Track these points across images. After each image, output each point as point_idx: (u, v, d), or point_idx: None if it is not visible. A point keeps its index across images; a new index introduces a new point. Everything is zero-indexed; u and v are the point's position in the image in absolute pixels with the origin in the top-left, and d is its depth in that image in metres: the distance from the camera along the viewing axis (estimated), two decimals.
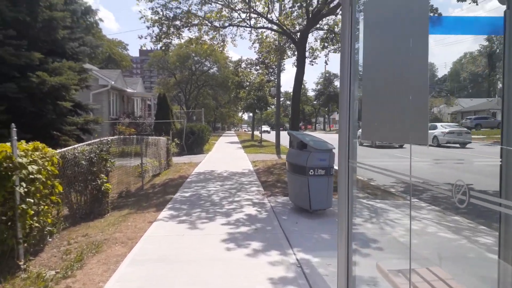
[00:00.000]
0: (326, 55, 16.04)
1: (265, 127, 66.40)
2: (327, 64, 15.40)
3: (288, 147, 24.92)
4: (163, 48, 14.33)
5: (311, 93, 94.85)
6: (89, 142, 7.67)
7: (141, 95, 28.52)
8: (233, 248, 4.92)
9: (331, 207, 6.71)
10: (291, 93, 31.48)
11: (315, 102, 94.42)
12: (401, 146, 9.72)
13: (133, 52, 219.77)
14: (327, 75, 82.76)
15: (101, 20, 48.28)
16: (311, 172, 6.31)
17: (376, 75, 2.51)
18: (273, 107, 33.33)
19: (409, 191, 2.92)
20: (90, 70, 12.91)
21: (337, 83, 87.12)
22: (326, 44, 15.52)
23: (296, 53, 16.05)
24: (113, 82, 22.49)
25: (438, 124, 9.39)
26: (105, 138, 8.04)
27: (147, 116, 27.05)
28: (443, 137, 8.19)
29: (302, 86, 56.01)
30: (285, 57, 16.78)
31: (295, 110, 13.38)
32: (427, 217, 6.17)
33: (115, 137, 8.85)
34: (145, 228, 5.98)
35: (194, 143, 21.09)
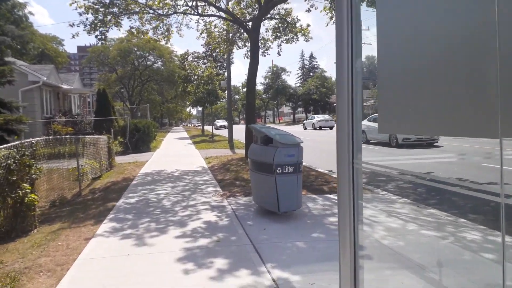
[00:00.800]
0: (278, 46, 15.33)
1: (221, 122, 64.09)
2: (279, 55, 14.74)
3: (242, 141, 24.19)
4: (99, 37, 12.79)
5: (259, 87, 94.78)
6: (6, 145, 6.28)
7: (78, 91, 26.24)
8: (192, 270, 3.96)
9: (301, 207, 5.94)
10: (241, 87, 30.27)
11: (263, 96, 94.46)
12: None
13: (71, 48, 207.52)
14: (274, 69, 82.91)
15: (31, 13, 44.39)
16: (279, 170, 5.48)
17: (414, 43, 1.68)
18: (223, 100, 32.33)
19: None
20: (13, 63, 11.13)
21: (284, 77, 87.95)
22: (278, 34, 14.79)
23: (248, 43, 15.21)
24: (45, 78, 20.27)
25: None
26: (29, 140, 6.68)
27: (87, 114, 24.90)
28: None
29: None
30: (235, 49, 15.84)
31: (250, 103, 12.53)
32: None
33: (41, 138, 7.45)
34: (80, 248, 4.82)
35: (140, 141, 19.59)
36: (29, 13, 43.00)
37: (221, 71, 34.65)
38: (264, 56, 15.61)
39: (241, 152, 17.34)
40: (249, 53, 15.62)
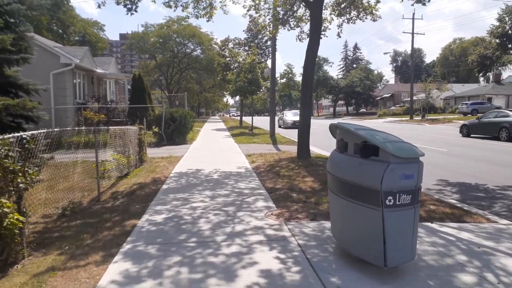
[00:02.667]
0: (339, 26, 12.96)
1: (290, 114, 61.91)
2: (339, 36, 12.37)
3: (285, 135, 22.09)
4: (129, 6, 10.96)
5: (298, 78, 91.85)
6: None
7: (114, 76, 25.00)
8: None
9: (415, 257, 3.78)
10: (279, 78, 27.99)
11: None
12: None
13: (113, 36, 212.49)
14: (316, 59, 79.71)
15: None
16: (390, 200, 3.34)
17: None
18: (263, 90, 30.20)
19: None
20: (30, 38, 9.55)
21: (326, 67, 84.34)
22: (341, 11, 12.44)
23: (301, 24, 13.01)
24: (77, 61, 18.98)
25: None
26: (19, 134, 4.91)
27: (121, 101, 23.61)
28: None
29: (289, 71, 52.82)
30: (286, 29, 13.63)
31: (306, 92, 10.34)
32: None
33: (41, 131, 5.69)
34: None
35: (175, 132, 17.94)
36: None
37: (263, 59, 32.54)
38: (321, 38, 13.30)
39: (287, 149, 15.25)
40: (302, 35, 13.47)
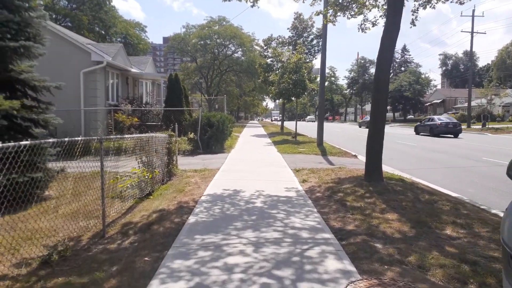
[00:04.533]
0: (414, 11, 10.40)
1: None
2: (414, 25, 9.78)
3: (334, 144, 19.35)
4: None
5: (341, 81, 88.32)
6: None
7: (151, 77, 23.59)
8: None
9: None
10: (328, 78, 25.21)
11: (346, 92, 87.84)
12: None
13: (157, 39, 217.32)
14: (362, 61, 76.07)
15: None
16: None
17: None
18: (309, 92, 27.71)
19: None
20: (42, 26, 7.83)
21: (372, 70, 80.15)
22: None
23: (368, 10, 10.64)
24: (110, 58, 17.56)
25: None
26: None
27: (156, 103, 22.10)
28: None
29: (332, 74, 50.11)
30: (346, 17, 11.25)
31: (380, 95, 7.90)
32: None
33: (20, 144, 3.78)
34: None
35: (212, 139, 16.01)
36: None
37: (308, 60, 30.17)
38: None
39: (340, 162, 12.86)
40: (365, 23, 11.08)
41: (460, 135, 29.04)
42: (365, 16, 11.09)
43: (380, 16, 10.87)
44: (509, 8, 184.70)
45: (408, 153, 17.15)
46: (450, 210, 6.26)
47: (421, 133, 31.19)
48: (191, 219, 5.83)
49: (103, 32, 42.86)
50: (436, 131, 28.26)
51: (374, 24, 11.10)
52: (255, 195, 7.44)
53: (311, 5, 11.43)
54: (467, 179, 10.37)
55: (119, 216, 6.61)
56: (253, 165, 12.08)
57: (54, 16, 38.02)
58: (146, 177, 8.25)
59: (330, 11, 10.83)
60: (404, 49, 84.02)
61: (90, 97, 16.87)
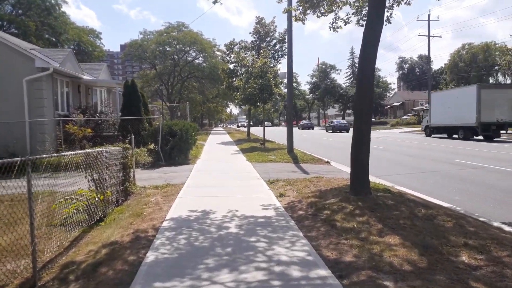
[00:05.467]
0: (389, 9, 9.68)
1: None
2: (389, 22, 9.02)
3: (305, 150, 18.41)
4: None
5: (303, 87, 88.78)
6: None
7: (106, 84, 21.85)
8: None
9: None
10: (283, 87, 24.76)
11: (308, 97, 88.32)
12: None
13: (114, 47, 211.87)
14: (322, 66, 76.74)
15: (64, 1, 40.96)
16: None
17: None
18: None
19: None
20: None
21: (334, 75, 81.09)
22: None
23: (339, 8, 9.86)
24: (57, 65, 15.86)
25: None
26: None
27: (111, 112, 20.43)
28: None
29: (294, 79, 49.75)
30: (315, 16, 10.38)
31: (365, 95, 6.98)
32: None
33: None
34: None
35: (175, 149, 14.70)
36: (62, 1, 39.62)
37: (271, 65, 29.41)
38: (359, 24, 10.12)
39: (314, 170, 12.00)
40: (337, 21, 10.31)
41: (422, 137, 29.54)
42: (336, 14, 10.31)
43: (353, 14, 10.12)
44: (454, 14, 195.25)
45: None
46: (455, 228, 5.43)
47: (329, 131, 46.48)
48: (150, 256, 4.62)
49: (53, 39, 40.14)
50: (335, 129, 45.40)
51: (346, 22, 10.34)
52: (228, 217, 6.31)
53: (278, 2, 10.52)
54: (447, 185, 9.77)
55: (60, 252, 5.30)
56: (222, 177, 10.93)
57: None
58: (97, 199, 6.94)
59: (300, 8, 9.92)
60: None
61: (36, 107, 15.09)
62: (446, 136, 29.92)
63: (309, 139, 31.36)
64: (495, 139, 25.80)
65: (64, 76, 17.05)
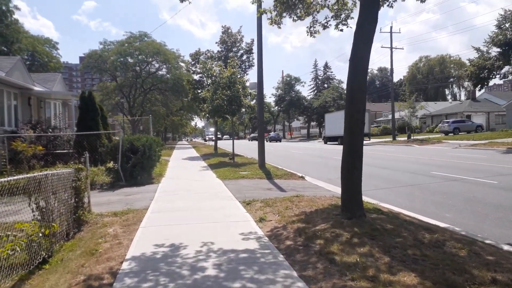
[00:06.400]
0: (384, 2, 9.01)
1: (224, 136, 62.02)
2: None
3: (276, 164, 17.58)
4: None
5: (268, 99, 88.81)
6: None
7: (60, 96, 20.14)
8: None
9: None
10: (249, 99, 23.74)
11: (273, 109, 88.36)
12: None
13: (73, 59, 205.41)
14: (287, 79, 77.07)
15: (17, 8, 38.48)
16: None
17: None
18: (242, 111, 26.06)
19: None
20: None
21: (298, 87, 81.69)
22: None
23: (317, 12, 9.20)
24: (3, 74, 14.23)
25: None
26: None
27: (66, 127, 18.75)
28: None
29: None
30: (289, 20, 9.62)
31: (356, 98, 6.08)
32: None
33: None
34: None
35: (137, 167, 13.38)
36: (14, 8, 37.11)
37: (239, 75, 28.62)
38: (346, 27, 9.48)
39: (289, 186, 11.16)
40: (315, 26, 9.63)
41: (390, 148, 29.92)
42: (314, 17, 9.60)
43: (332, 17, 9.44)
44: (409, 29, 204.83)
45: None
46: (471, 257, 4.67)
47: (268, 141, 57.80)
48: None
49: (4, 48, 37.41)
50: (269, 139, 58.61)
51: (325, 26, 9.64)
52: (202, 253, 5.24)
53: (252, 3, 9.69)
54: (433, 200, 9.19)
55: None
56: (192, 198, 9.79)
57: None
58: (40, 234, 5.67)
59: (276, 10, 9.11)
60: (326, 66, 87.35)
61: None
62: (337, 142, 42.47)
63: (279, 152, 30.68)
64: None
65: (12, 87, 15.36)
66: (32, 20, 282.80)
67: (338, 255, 4.81)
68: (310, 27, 9.67)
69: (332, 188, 11.41)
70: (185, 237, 6.05)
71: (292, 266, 4.64)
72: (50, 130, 16.64)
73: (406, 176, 13.62)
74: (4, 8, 36.32)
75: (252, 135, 75.32)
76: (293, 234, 5.89)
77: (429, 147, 32.12)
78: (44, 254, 5.55)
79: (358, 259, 4.61)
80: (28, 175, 5.44)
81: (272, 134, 71.13)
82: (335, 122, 43.81)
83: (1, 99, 14.59)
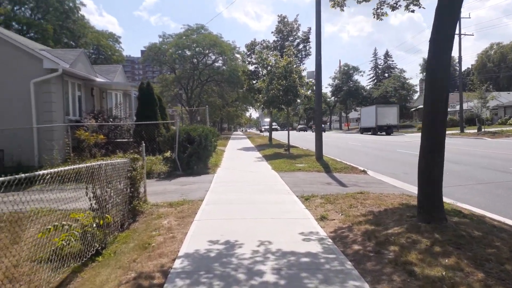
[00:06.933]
0: None
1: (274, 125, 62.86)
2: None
3: (335, 157, 16.60)
4: None
5: (324, 89, 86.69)
6: None
7: (121, 87, 20.73)
8: None
9: None
10: (311, 86, 22.85)
11: (329, 99, 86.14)
12: None
13: (135, 53, 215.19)
14: (345, 68, 74.53)
15: (82, 4, 40.44)
16: None
17: None
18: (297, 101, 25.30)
19: None
20: None
21: (357, 77, 78.87)
22: None
23: None
24: (67, 65, 14.74)
25: None
26: None
27: (127, 117, 19.25)
28: None
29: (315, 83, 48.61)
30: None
31: (439, 83, 5.22)
32: None
33: None
34: None
35: (194, 157, 13.27)
36: (80, 4, 39.04)
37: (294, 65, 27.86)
38: (418, 7, 8.51)
39: (351, 181, 10.36)
40: (382, 7, 8.73)
41: (458, 141, 27.62)
42: None
43: None
44: (477, 14, 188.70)
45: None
46: None
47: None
48: None
49: (72, 43, 39.66)
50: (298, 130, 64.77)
51: (394, 8, 8.69)
52: (259, 253, 4.77)
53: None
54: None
55: None
56: (247, 190, 9.40)
57: (16, 26, 34.77)
58: (95, 225, 5.53)
59: None
60: (387, 54, 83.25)
61: (44, 112, 13.98)
62: (371, 133, 49.35)
63: (338, 144, 29.58)
64: (390, 134, 46.10)
65: (76, 78, 15.92)
66: (98, 17, 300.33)
67: (418, 266, 4.10)
68: (377, 8, 8.77)
69: (398, 184, 10.48)
70: (240, 233, 5.63)
71: (363, 276, 4.01)
72: (111, 119, 17.13)
73: (482, 172, 12.24)
74: (71, 4, 38.40)
75: (300, 126, 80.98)
76: (361, 238, 5.22)
77: (503, 140, 29.30)
78: (98, 246, 5.40)
79: (443, 273, 3.87)
80: (79, 166, 5.26)
81: (299, 125, 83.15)
82: (369, 115, 49.91)
83: (66, 90, 15.16)
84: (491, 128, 42.03)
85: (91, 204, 5.77)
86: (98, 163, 5.79)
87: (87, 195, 5.73)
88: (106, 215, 5.77)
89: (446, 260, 4.17)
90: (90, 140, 14.48)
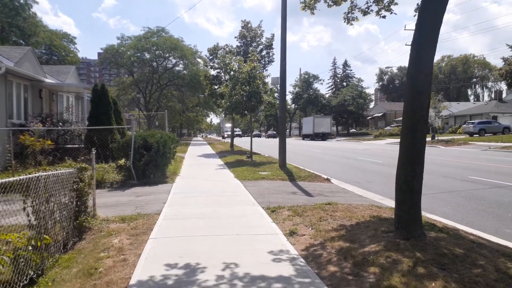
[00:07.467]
0: None
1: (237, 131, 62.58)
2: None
3: (297, 164, 16.37)
4: None
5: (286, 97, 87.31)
6: None
7: (73, 89, 19.36)
8: None
9: None
10: (272, 94, 22.55)
11: (289, 107, 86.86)
12: None
13: (92, 55, 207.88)
14: (305, 76, 75.55)
15: (35, 1, 38.04)
16: None
17: None
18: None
19: None
20: None
21: (316, 85, 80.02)
22: None
23: None
24: (12, 64, 13.45)
25: None
26: None
27: (78, 121, 17.96)
28: None
29: (275, 89, 49.28)
30: (327, 2, 8.46)
31: (420, 89, 4.83)
32: None
33: None
34: None
35: (151, 165, 12.41)
36: (32, 1, 36.66)
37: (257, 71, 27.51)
38: (390, 13, 8.31)
39: (316, 189, 10.00)
40: (353, 11, 8.48)
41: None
42: (352, 2, 8.42)
43: (374, 2, 8.24)
44: None
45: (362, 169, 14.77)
46: None
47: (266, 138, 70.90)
48: None
49: (22, 41, 37.13)
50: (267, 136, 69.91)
51: (365, 12, 8.45)
52: (225, 281, 4.16)
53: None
54: (486, 210, 7.95)
55: None
56: (208, 202, 8.74)
57: None
58: (31, 248, 4.71)
59: None
60: (346, 64, 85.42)
61: None
62: (309, 139, 58.55)
63: (298, 151, 29.48)
64: (326, 140, 55.43)
65: (22, 79, 14.58)
66: (53, 17, 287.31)
67: None
68: (348, 13, 8.50)
69: (363, 194, 10.26)
70: (202, 254, 5.00)
71: None
72: (61, 124, 15.83)
73: (442, 181, 12.33)
74: (22, 1, 35.95)
75: (269, 132, 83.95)
76: (336, 257, 4.75)
77: (456, 148, 30.52)
78: (33, 273, 4.57)
79: None
80: (13, 179, 4.43)
81: (269, 132, 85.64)
82: (308, 124, 60.82)
83: (9, 91, 13.81)
84: (443, 137, 43.83)
85: (29, 221, 4.94)
86: (36, 174, 4.94)
87: (24, 210, 4.90)
88: (45, 235, 4.95)
89: (433, 284, 3.78)
90: (36, 146, 13.24)
